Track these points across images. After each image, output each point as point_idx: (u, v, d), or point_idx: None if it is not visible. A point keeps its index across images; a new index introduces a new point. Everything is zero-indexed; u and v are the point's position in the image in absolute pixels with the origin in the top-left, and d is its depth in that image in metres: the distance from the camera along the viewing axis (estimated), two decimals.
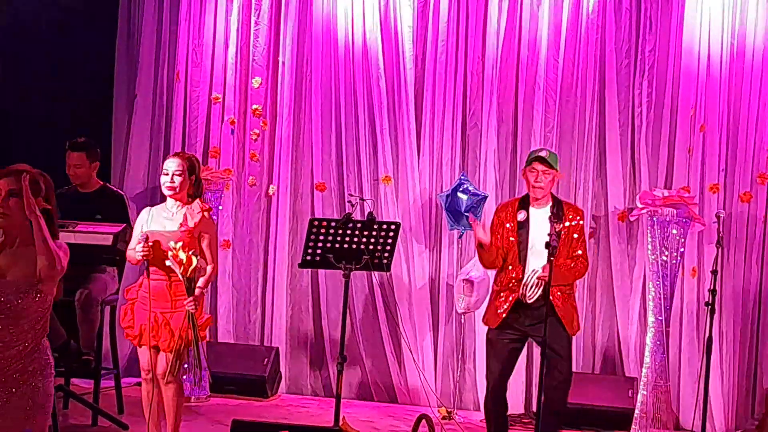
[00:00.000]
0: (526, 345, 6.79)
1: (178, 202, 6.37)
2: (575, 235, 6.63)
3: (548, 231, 6.42)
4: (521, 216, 6.62)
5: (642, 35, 8.41)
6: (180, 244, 6.07)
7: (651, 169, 8.37)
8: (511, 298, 6.54)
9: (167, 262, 6.10)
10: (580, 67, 8.50)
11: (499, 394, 6.68)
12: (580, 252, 6.63)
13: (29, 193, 4.23)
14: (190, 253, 6.04)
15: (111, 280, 7.54)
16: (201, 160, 8.83)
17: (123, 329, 6.41)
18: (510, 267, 6.60)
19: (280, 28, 9.02)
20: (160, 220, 6.34)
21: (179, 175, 6.32)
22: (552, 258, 6.32)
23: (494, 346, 6.64)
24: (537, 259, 6.48)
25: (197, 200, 6.40)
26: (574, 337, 6.71)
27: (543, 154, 6.66)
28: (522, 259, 6.57)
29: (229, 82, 9.04)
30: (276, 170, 9.00)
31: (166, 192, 6.38)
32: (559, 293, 6.53)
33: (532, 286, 6.44)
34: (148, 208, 6.50)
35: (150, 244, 6.13)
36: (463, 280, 8.12)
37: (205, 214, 6.34)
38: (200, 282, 6.19)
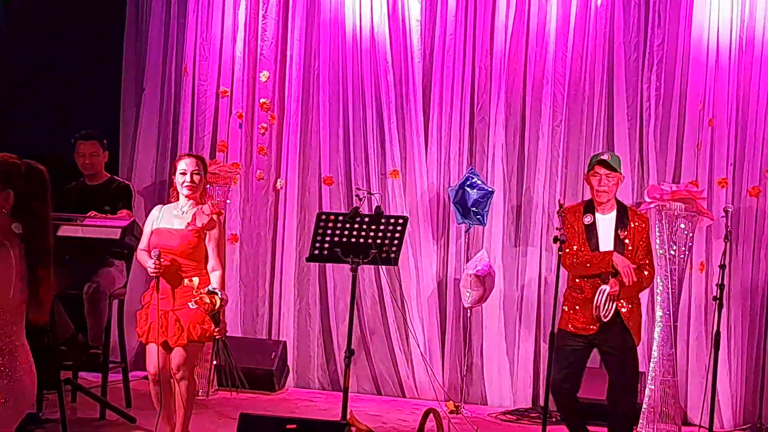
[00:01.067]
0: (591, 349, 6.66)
1: (191, 201, 6.36)
2: (641, 243, 6.52)
3: (613, 237, 6.36)
4: (588, 219, 6.51)
5: (651, 29, 8.39)
6: (199, 286, 6.15)
7: (659, 163, 8.35)
8: (582, 307, 6.45)
9: (190, 305, 6.13)
10: (588, 61, 8.48)
11: (562, 393, 6.56)
12: (647, 261, 6.53)
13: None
14: (209, 290, 6.10)
15: (119, 274, 7.55)
16: (209, 154, 8.88)
17: (138, 332, 6.40)
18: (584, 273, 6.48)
19: (287, 22, 9.01)
20: (169, 218, 6.34)
21: (197, 173, 6.33)
22: (560, 252, 6.30)
23: (560, 349, 6.49)
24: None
25: (209, 202, 6.43)
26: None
27: (605, 157, 6.53)
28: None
29: (237, 75, 9.04)
30: (284, 164, 9.00)
31: (185, 192, 6.34)
32: (627, 303, 6.43)
33: (604, 305, 6.33)
34: (159, 206, 6.50)
35: (161, 261, 6.10)
36: (470, 274, 8.11)
37: (214, 217, 6.32)
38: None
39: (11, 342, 3.87)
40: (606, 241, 6.43)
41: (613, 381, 6.54)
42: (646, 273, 6.50)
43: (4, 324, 3.85)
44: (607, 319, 6.35)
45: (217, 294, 6.10)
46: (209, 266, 6.30)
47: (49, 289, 3.94)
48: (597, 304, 6.31)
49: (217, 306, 6.10)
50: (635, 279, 6.34)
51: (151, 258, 6.10)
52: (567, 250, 6.42)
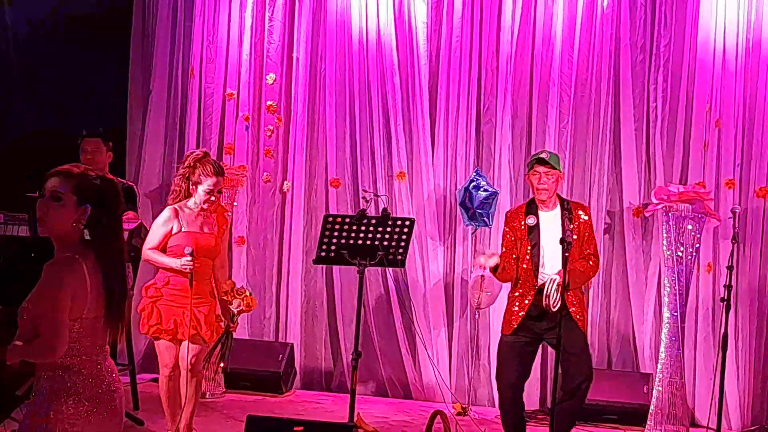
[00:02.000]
0: (540, 347, 6.80)
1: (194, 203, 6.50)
2: (586, 234, 6.63)
3: (558, 234, 6.41)
4: (531, 221, 6.61)
5: (657, 30, 8.39)
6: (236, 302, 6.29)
7: (666, 164, 8.34)
8: (526, 302, 6.53)
9: (232, 308, 6.31)
10: (594, 63, 8.47)
11: (515, 397, 6.71)
12: (590, 250, 6.64)
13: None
14: (249, 292, 6.31)
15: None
16: (215, 157, 8.87)
17: (149, 327, 6.42)
18: (524, 273, 6.59)
19: (294, 24, 9.02)
20: (192, 221, 6.41)
21: (220, 192, 6.49)
22: (567, 254, 6.31)
23: (508, 351, 6.61)
24: (550, 262, 6.48)
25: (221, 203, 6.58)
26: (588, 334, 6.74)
27: (543, 155, 6.66)
28: (535, 265, 6.55)
29: (244, 78, 9.05)
30: (290, 166, 9.00)
31: (204, 206, 6.40)
32: (573, 295, 6.52)
33: (553, 294, 6.39)
34: (176, 208, 6.45)
35: (194, 259, 6.22)
36: (479, 275, 8.10)
37: (226, 215, 6.50)
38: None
39: (88, 360, 3.69)
40: (551, 237, 6.50)
41: (569, 372, 6.56)
42: (591, 263, 6.60)
43: (79, 342, 3.67)
44: (556, 309, 6.38)
45: (252, 294, 6.33)
46: (219, 263, 6.49)
47: (124, 304, 3.81)
48: (547, 293, 6.35)
49: (253, 306, 6.35)
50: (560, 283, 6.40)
51: (185, 255, 6.19)
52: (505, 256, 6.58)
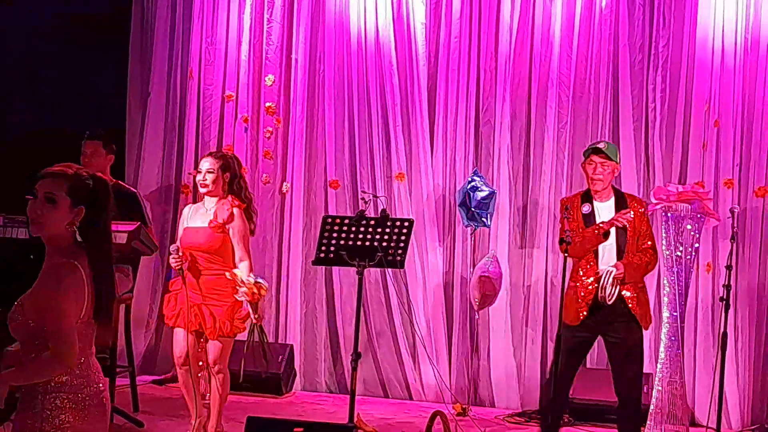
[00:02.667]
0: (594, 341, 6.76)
1: (214, 198, 6.58)
2: (643, 227, 6.59)
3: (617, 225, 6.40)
4: (586, 209, 6.56)
5: (655, 30, 8.39)
6: (257, 283, 6.37)
7: (665, 164, 8.35)
8: (585, 296, 6.49)
9: (237, 297, 6.39)
10: (593, 63, 8.48)
11: (559, 390, 6.61)
12: (649, 243, 6.59)
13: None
14: (256, 281, 6.33)
15: (125, 279, 7.55)
16: None
17: (166, 315, 6.62)
18: (584, 263, 6.53)
19: (293, 26, 9.02)
20: (197, 217, 6.59)
21: (211, 172, 6.55)
22: (566, 254, 6.31)
23: (570, 344, 6.54)
24: (607, 254, 6.45)
25: (230, 196, 6.57)
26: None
27: (601, 145, 6.61)
28: (595, 254, 6.52)
29: (242, 79, 9.06)
30: (289, 168, 9.00)
31: (200, 190, 6.64)
32: (632, 288, 6.48)
33: (609, 288, 6.35)
34: (189, 206, 6.84)
35: (181, 254, 6.35)
36: (481, 276, 8.10)
37: (235, 210, 6.51)
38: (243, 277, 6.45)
39: (78, 363, 3.67)
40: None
41: (622, 373, 6.55)
42: (649, 256, 6.55)
43: (80, 350, 3.66)
44: (611, 302, 6.34)
45: (261, 283, 6.33)
46: (236, 258, 6.52)
47: (112, 305, 3.77)
48: (603, 285, 6.33)
49: (262, 295, 6.35)
50: (629, 219, 6.39)
51: (172, 253, 6.37)
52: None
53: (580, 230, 6.52)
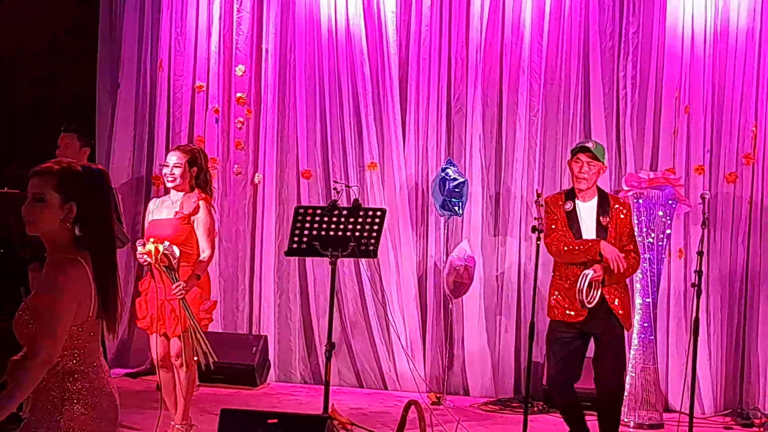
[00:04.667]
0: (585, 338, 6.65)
1: (181, 192, 6.57)
2: (626, 229, 6.55)
3: (595, 223, 6.39)
4: (568, 206, 6.53)
5: (625, 17, 8.40)
6: (152, 240, 6.27)
7: (636, 151, 8.37)
8: (570, 291, 6.45)
9: (138, 256, 6.31)
10: (564, 51, 8.48)
11: (564, 388, 6.61)
12: (631, 246, 6.54)
13: None
14: (165, 249, 6.22)
15: None
16: None
17: (140, 322, 6.58)
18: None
19: (263, 15, 8.99)
20: (162, 209, 6.58)
21: (179, 167, 6.54)
22: (539, 242, 6.32)
23: (557, 344, 6.51)
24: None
25: (196, 190, 6.56)
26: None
27: (589, 145, 6.57)
28: None
29: (213, 70, 9.01)
30: (261, 158, 8.97)
31: (167, 184, 6.62)
32: (614, 290, 6.45)
33: (585, 290, 6.31)
34: (154, 199, 6.83)
35: (147, 250, 6.27)
36: (461, 266, 8.10)
37: (201, 203, 6.50)
38: (188, 269, 6.38)
39: (92, 363, 3.62)
40: (588, 227, 6.46)
41: (598, 366, 6.56)
42: (631, 258, 6.50)
43: (85, 345, 3.60)
44: (592, 305, 6.35)
45: (162, 245, 6.22)
46: (200, 248, 6.49)
47: (118, 300, 3.68)
48: (579, 288, 6.31)
49: (160, 254, 6.19)
50: (623, 267, 6.35)
51: (138, 250, 6.34)
52: (553, 236, 6.45)
53: (564, 229, 6.50)
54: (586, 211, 6.52)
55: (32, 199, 3.58)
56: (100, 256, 3.60)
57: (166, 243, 6.33)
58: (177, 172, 6.53)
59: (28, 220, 3.59)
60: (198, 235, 6.47)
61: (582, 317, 6.41)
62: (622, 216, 6.53)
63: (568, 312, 6.44)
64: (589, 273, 6.32)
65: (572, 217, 6.52)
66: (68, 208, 3.57)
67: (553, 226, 6.50)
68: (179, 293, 6.26)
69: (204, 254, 6.48)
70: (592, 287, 6.34)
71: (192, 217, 6.47)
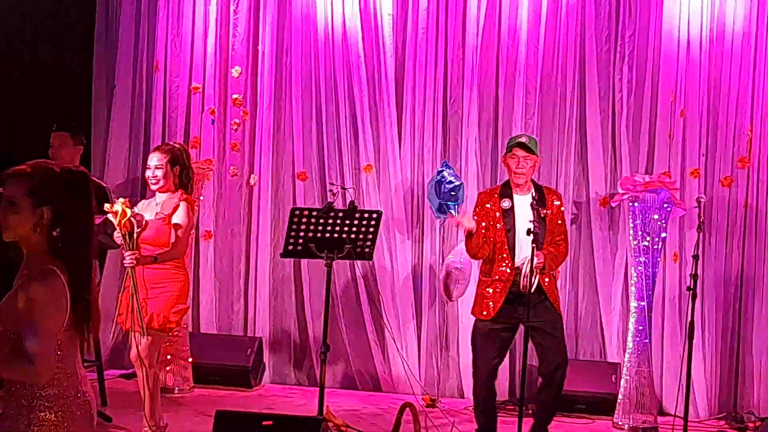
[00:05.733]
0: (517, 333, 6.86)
1: (165, 194, 6.55)
2: (559, 222, 6.75)
3: (531, 218, 6.46)
4: (506, 204, 6.66)
5: (622, 21, 8.41)
6: (121, 200, 6.21)
7: (632, 154, 8.38)
8: (501, 289, 6.59)
9: (109, 215, 6.18)
10: (560, 54, 8.49)
11: (491, 384, 6.85)
12: (561, 237, 6.76)
13: None
14: (126, 208, 6.16)
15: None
16: None
17: (118, 315, 6.56)
18: (499, 257, 6.63)
19: (259, 17, 8.98)
20: (147, 210, 6.54)
21: (160, 168, 6.53)
22: (534, 244, 6.36)
23: (487, 337, 6.69)
24: (525, 246, 6.52)
25: (180, 190, 6.52)
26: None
27: (523, 139, 6.74)
28: (511, 248, 6.60)
29: (209, 71, 9.01)
30: (257, 160, 8.97)
31: (152, 186, 6.60)
32: (546, 278, 6.64)
33: (529, 275, 6.45)
34: (142, 201, 6.79)
35: (112, 210, 6.19)
36: (455, 268, 8.10)
37: (182, 203, 6.47)
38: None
39: (64, 370, 3.55)
40: (524, 221, 6.56)
41: (548, 354, 6.70)
42: (561, 247, 6.76)
43: (62, 357, 3.53)
44: (532, 290, 6.45)
45: (129, 210, 6.16)
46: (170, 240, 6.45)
47: (93, 309, 3.62)
48: (525, 273, 6.43)
49: (126, 218, 6.11)
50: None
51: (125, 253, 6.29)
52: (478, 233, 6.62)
53: (494, 227, 6.64)
54: (525, 205, 6.65)
55: (5, 203, 3.47)
56: (76, 265, 3.51)
57: (137, 209, 6.34)
58: (159, 173, 6.51)
59: (2, 225, 3.49)
60: (178, 235, 6.42)
61: (518, 313, 6.58)
62: (556, 203, 6.74)
63: (493, 302, 6.64)
64: (534, 259, 6.46)
65: (509, 214, 6.67)
66: (39, 214, 3.47)
67: (483, 223, 6.64)
68: (130, 261, 6.19)
69: (172, 244, 6.40)
70: (534, 274, 6.48)
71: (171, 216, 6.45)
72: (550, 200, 6.74)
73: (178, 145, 6.77)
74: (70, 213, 3.50)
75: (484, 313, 6.70)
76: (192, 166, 6.76)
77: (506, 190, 6.75)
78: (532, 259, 6.42)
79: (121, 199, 6.23)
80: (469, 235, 6.63)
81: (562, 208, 6.85)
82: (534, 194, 6.66)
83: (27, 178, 3.49)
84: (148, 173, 6.58)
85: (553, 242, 6.69)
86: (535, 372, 8.04)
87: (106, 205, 6.19)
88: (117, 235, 6.25)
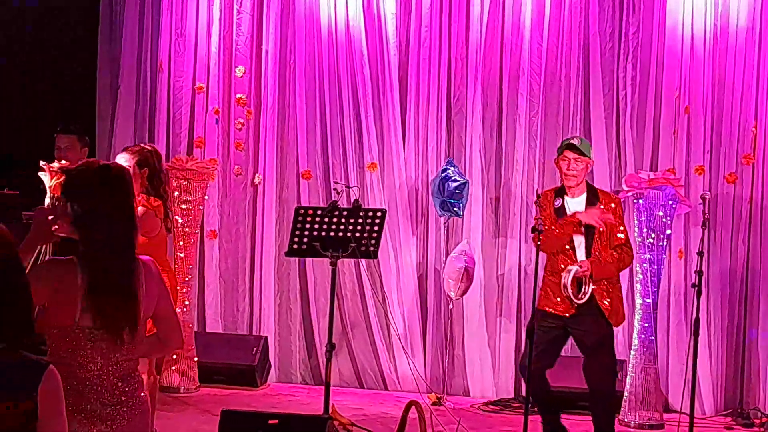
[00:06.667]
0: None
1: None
2: (615, 224, 6.61)
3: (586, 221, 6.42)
4: (557, 203, 6.60)
5: (625, 18, 8.40)
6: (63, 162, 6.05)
7: (636, 151, 8.37)
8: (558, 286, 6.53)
9: (40, 174, 6.01)
10: (564, 51, 8.48)
11: (541, 377, 6.67)
12: (621, 237, 6.61)
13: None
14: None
15: None
16: (186, 150, 8.83)
17: None
18: (563, 255, 6.56)
19: (262, 16, 8.98)
20: None
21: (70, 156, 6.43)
22: (539, 242, 6.33)
23: (534, 334, 6.56)
24: (584, 250, 6.48)
25: (142, 196, 6.08)
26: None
27: (575, 141, 6.65)
28: (573, 250, 6.54)
29: (213, 71, 9.01)
30: (261, 159, 8.97)
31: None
32: (606, 287, 6.51)
33: (572, 286, 6.37)
34: None
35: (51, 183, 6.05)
36: (461, 267, 8.10)
37: (140, 209, 5.90)
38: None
39: (76, 377, 3.44)
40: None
41: (592, 364, 6.60)
42: (622, 253, 6.59)
43: (72, 356, 3.45)
44: (582, 301, 6.38)
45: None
46: None
47: (115, 308, 3.47)
48: (564, 283, 6.36)
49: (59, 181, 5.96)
50: (610, 220, 6.43)
51: None
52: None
53: (554, 222, 6.55)
54: (576, 207, 6.58)
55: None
56: (90, 261, 3.47)
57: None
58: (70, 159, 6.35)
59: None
60: None
61: (569, 313, 6.46)
62: (611, 209, 6.60)
63: (555, 300, 6.51)
64: (573, 268, 6.38)
65: (561, 213, 6.58)
66: (63, 208, 3.54)
67: (543, 231, 6.53)
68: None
69: None
70: (582, 283, 6.37)
71: None
72: (603, 202, 6.63)
73: (149, 147, 6.51)
74: (89, 209, 3.51)
75: (546, 308, 6.58)
76: (164, 169, 6.37)
77: (561, 192, 6.69)
78: (587, 267, 6.33)
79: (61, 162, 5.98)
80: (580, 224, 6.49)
81: (620, 211, 6.71)
82: (587, 197, 6.58)
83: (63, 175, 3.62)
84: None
85: (613, 246, 6.53)
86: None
87: (42, 162, 5.97)
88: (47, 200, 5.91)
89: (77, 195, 3.51)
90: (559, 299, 6.51)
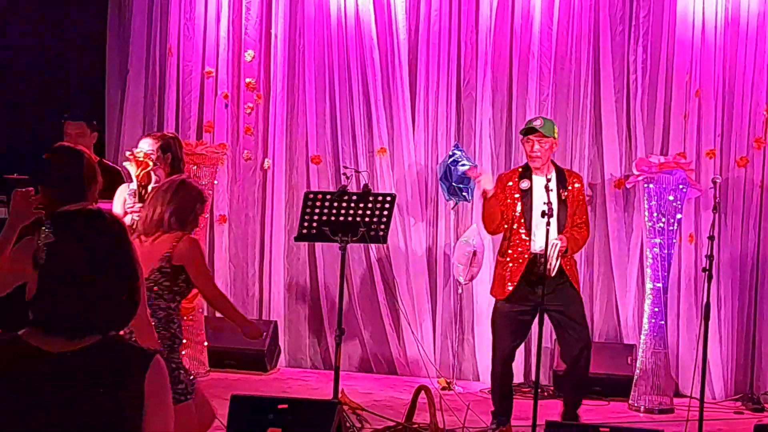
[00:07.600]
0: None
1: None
2: (579, 202, 6.78)
3: (545, 200, 6.46)
4: (525, 184, 6.68)
5: (636, 1, 8.36)
6: (144, 151, 6.13)
7: (647, 135, 8.34)
8: (518, 266, 6.60)
9: (125, 164, 6.11)
10: (574, 35, 8.45)
11: (508, 366, 6.88)
12: (583, 218, 6.79)
13: None
14: (148, 160, 6.10)
15: None
16: (195, 135, 8.82)
17: None
18: (517, 237, 6.63)
19: (271, 1, 8.96)
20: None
21: (151, 155, 6.33)
22: (548, 226, 6.34)
23: (506, 320, 6.70)
24: (541, 227, 6.51)
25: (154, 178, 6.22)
26: None
27: (536, 123, 6.75)
28: (528, 228, 6.61)
29: (222, 55, 8.99)
30: (271, 144, 8.96)
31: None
32: (569, 261, 6.67)
33: (555, 259, 6.46)
34: (125, 185, 6.36)
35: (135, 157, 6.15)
36: (469, 251, 8.10)
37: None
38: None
39: None
40: (541, 202, 6.54)
41: (571, 339, 6.74)
42: (583, 231, 6.78)
43: None
44: (554, 273, 6.47)
45: (151, 161, 6.12)
46: None
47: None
48: (549, 257, 6.41)
49: (148, 169, 6.07)
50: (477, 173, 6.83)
51: None
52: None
53: (513, 207, 6.69)
54: (542, 187, 6.61)
55: None
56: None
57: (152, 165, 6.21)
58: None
59: None
60: None
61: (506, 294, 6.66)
62: (577, 185, 6.76)
63: (509, 282, 6.67)
64: (558, 243, 6.49)
65: (527, 194, 6.69)
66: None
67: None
68: (135, 210, 5.99)
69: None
70: (558, 257, 6.51)
71: None
72: (570, 182, 6.75)
73: (171, 134, 6.62)
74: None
75: (501, 293, 6.70)
76: (183, 158, 6.58)
77: (526, 172, 6.78)
78: (547, 243, 6.39)
79: (144, 151, 6.10)
80: (485, 197, 6.62)
81: (584, 191, 6.85)
82: (548, 177, 6.63)
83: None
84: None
85: (575, 225, 6.70)
86: (550, 354, 8.06)
87: (127, 153, 6.10)
88: (131, 189, 6.10)
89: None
90: (511, 287, 6.63)
